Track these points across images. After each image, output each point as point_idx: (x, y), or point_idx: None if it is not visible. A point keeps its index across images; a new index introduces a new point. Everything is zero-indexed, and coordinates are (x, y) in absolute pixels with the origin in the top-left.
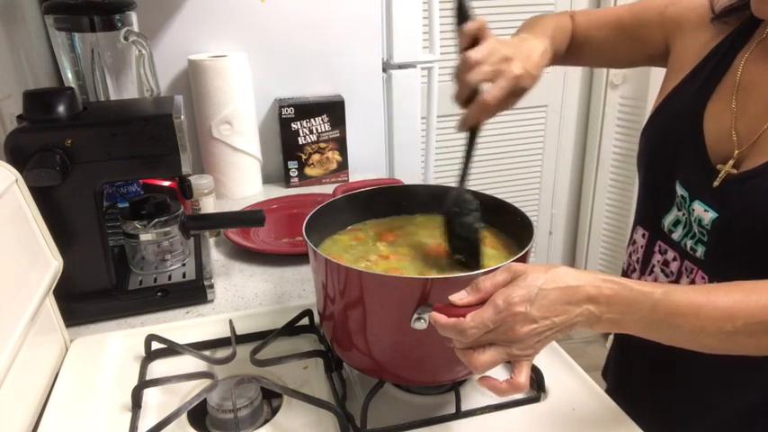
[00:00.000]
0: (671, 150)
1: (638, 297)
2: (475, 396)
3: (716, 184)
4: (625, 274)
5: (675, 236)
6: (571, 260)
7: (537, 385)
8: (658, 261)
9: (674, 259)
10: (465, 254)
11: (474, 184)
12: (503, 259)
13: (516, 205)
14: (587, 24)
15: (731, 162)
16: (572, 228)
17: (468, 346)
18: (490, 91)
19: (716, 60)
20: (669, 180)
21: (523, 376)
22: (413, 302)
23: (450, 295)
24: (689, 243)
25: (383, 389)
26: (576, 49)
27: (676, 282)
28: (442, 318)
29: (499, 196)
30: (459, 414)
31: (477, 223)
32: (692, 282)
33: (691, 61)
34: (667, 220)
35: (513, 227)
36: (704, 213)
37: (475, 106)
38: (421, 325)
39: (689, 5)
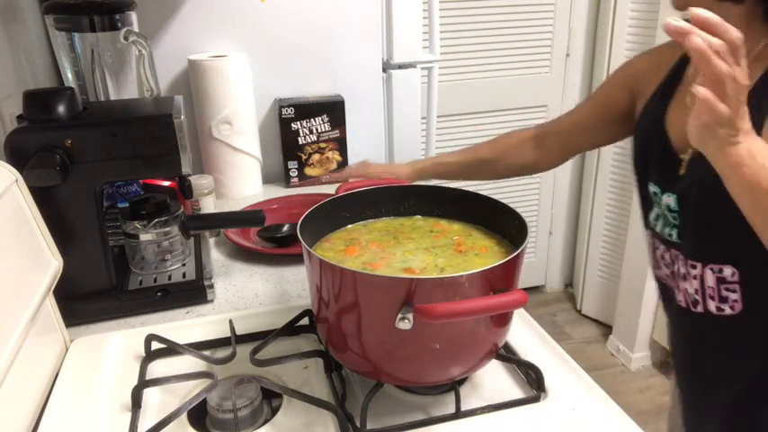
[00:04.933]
0: (645, 155)
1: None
2: (474, 396)
3: (681, 172)
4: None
5: (658, 228)
6: (571, 260)
7: (537, 385)
8: (659, 256)
9: (665, 251)
10: None
11: (474, 183)
12: (498, 257)
13: (516, 205)
14: (564, 128)
15: (690, 151)
16: (572, 228)
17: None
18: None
19: (674, 69)
20: (647, 181)
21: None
22: (398, 302)
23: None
24: (666, 231)
25: (383, 389)
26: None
27: (673, 271)
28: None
29: (499, 196)
30: (459, 414)
31: None
32: (681, 266)
33: (659, 78)
34: (651, 217)
35: (510, 228)
36: (668, 199)
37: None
38: (405, 325)
39: (640, 57)
